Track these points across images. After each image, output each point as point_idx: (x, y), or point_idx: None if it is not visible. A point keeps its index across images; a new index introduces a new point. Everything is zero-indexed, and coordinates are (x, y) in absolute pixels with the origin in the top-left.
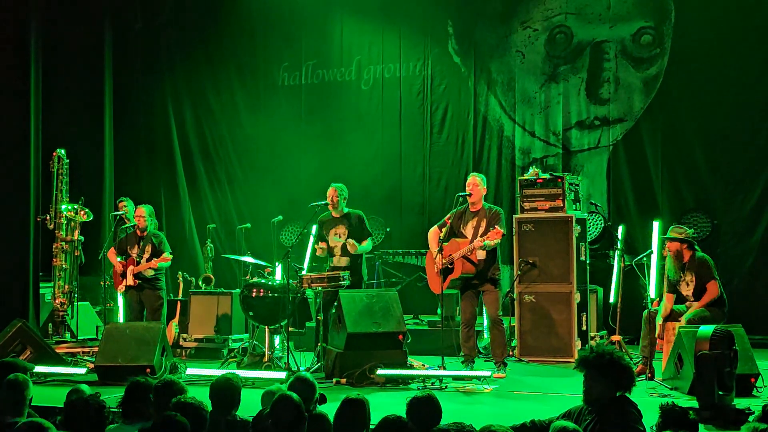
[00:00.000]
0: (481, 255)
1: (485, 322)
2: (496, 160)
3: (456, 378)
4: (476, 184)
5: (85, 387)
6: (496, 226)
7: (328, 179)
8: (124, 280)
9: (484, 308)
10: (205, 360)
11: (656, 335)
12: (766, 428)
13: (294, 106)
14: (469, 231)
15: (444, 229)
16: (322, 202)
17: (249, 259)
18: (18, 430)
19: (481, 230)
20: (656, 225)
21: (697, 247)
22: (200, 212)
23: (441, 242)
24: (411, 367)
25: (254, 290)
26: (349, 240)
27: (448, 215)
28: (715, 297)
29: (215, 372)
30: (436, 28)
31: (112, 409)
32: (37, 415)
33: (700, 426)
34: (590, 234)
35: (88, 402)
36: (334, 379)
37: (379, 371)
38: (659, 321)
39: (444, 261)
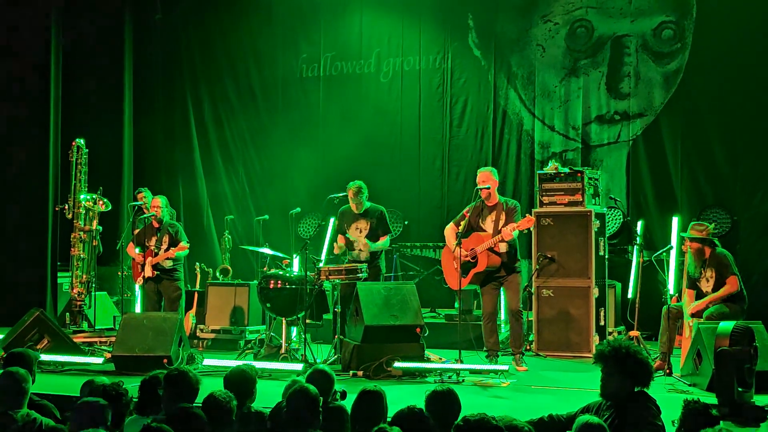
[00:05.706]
0: (503, 248)
1: (501, 316)
2: (515, 154)
3: (473, 372)
4: (488, 178)
5: (104, 378)
6: (527, 215)
7: (346, 171)
8: (143, 272)
9: (501, 302)
10: (222, 351)
11: (683, 334)
12: None
13: (312, 98)
14: (488, 225)
15: (463, 223)
16: (341, 194)
17: (267, 250)
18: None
19: (501, 223)
20: (675, 220)
21: (717, 242)
22: (218, 203)
23: (459, 236)
24: (428, 360)
25: (272, 282)
26: (363, 240)
27: (466, 209)
28: (734, 291)
29: (232, 363)
30: (457, 21)
31: (133, 399)
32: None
33: (721, 422)
34: (609, 229)
35: (107, 391)
36: (351, 372)
37: (396, 364)
38: (688, 320)
39: (466, 254)
